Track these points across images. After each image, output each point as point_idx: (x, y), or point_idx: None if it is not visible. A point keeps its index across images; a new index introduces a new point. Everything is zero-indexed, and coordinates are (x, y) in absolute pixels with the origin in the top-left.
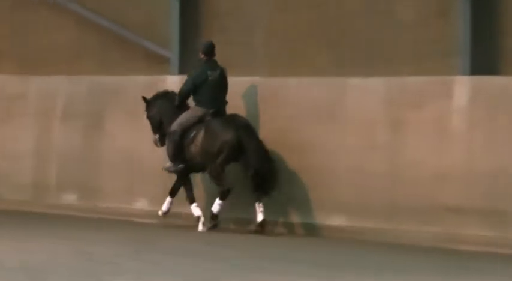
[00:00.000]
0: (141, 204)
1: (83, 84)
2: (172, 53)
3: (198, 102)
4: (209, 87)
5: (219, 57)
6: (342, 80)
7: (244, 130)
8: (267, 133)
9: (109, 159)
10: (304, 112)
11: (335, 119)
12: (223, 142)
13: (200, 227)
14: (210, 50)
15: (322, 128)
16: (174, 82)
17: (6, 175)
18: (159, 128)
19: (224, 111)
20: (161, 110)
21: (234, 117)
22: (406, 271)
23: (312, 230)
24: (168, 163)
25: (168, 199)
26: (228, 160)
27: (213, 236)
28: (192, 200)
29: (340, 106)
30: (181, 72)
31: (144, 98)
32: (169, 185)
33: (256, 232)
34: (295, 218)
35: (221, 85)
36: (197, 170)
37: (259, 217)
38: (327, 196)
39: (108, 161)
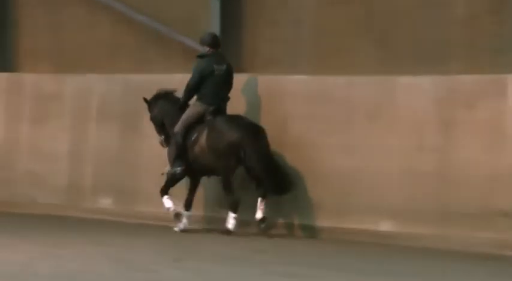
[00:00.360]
0: (181, 209)
1: (119, 82)
2: None
3: (199, 97)
4: (213, 81)
5: (264, 54)
6: (391, 79)
7: (248, 130)
8: (312, 133)
9: (147, 161)
10: (351, 112)
11: (383, 119)
12: (230, 142)
13: (172, 213)
14: (215, 42)
15: (370, 128)
16: None
17: (41, 177)
18: (163, 129)
19: (225, 108)
20: (162, 111)
21: (238, 117)
22: (452, 278)
23: (358, 236)
24: (167, 167)
25: (185, 214)
26: (236, 161)
27: (252, 241)
28: (164, 194)
29: (389, 105)
30: None
31: (144, 99)
32: (210, 189)
33: (257, 230)
34: (341, 223)
35: (226, 81)
36: (201, 174)
37: (258, 214)
38: (374, 199)
39: (146, 164)
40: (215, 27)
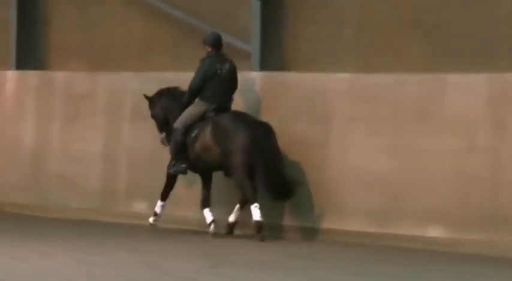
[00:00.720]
0: (217, 213)
1: (154, 80)
2: (253, 48)
3: (202, 97)
4: (217, 81)
5: (305, 52)
6: (440, 77)
7: (256, 128)
8: (356, 134)
9: None
10: (398, 111)
11: (432, 119)
12: (240, 141)
13: (150, 220)
14: (217, 42)
15: (419, 128)
16: (254, 79)
17: (72, 180)
18: (165, 126)
19: (228, 108)
20: (166, 107)
21: (243, 114)
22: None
23: (404, 242)
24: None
25: (206, 209)
26: (245, 159)
27: (287, 246)
28: (163, 199)
29: (438, 105)
30: (262, 68)
31: (145, 96)
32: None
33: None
34: (386, 228)
35: (229, 80)
36: (205, 171)
37: (232, 217)
38: (422, 203)
39: None
40: (255, 27)
